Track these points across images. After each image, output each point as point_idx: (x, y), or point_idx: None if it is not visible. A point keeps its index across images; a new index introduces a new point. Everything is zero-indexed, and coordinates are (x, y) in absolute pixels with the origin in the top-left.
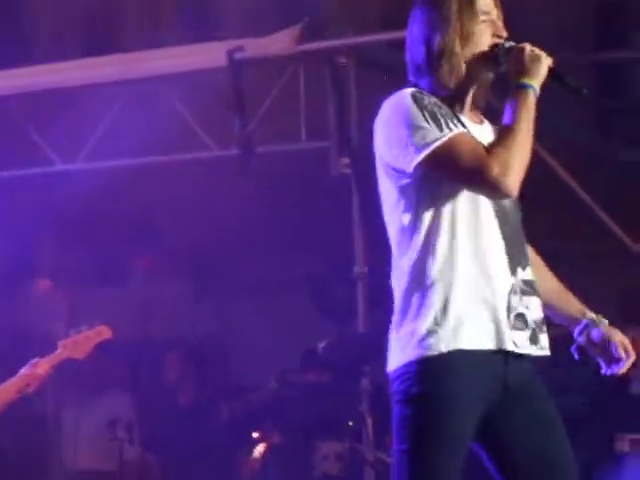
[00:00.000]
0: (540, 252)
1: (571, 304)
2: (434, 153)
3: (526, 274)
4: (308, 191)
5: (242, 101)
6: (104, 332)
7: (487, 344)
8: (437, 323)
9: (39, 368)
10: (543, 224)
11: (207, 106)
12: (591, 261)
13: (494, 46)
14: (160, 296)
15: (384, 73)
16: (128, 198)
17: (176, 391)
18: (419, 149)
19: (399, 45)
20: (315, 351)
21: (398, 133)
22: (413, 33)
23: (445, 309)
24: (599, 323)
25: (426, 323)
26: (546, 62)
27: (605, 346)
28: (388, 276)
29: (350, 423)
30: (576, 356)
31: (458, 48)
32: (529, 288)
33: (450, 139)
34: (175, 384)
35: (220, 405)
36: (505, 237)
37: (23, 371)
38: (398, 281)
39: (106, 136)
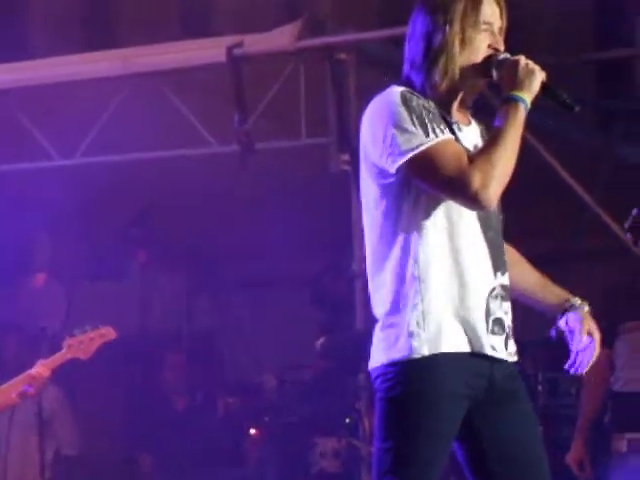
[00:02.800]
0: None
1: (554, 292)
2: (417, 158)
3: (505, 279)
4: (307, 187)
5: (242, 97)
6: (109, 333)
7: (467, 347)
8: (419, 325)
9: (41, 369)
10: (541, 223)
11: (206, 102)
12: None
13: (489, 57)
14: (156, 290)
15: (383, 70)
16: (126, 193)
17: (172, 392)
18: (402, 153)
19: (398, 42)
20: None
21: (384, 133)
22: (414, 30)
23: (426, 312)
24: (578, 307)
25: (408, 325)
26: (540, 76)
27: (574, 330)
28: None
29: (347, 420)
30: (552, 335)
31: (457, 51)
32: (506, 293)
33: (434, 146)
34: (171, 386)
35: (216, 401)
36: (488, 241)
37: (29, 372)
38: (377, 280)
39: (104, 131)
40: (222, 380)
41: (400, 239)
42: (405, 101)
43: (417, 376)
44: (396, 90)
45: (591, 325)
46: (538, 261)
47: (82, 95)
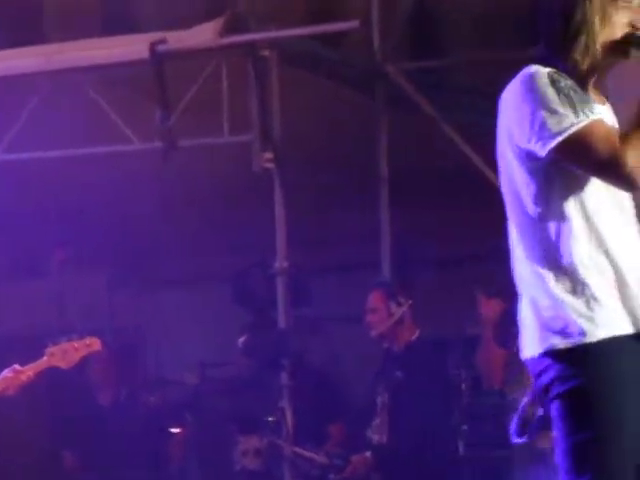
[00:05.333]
0: None
1: None
2: (569, 140)
3: None
4: (230, 185)
5: (164, 94)
6: (94, 344)
7: (631, 329)
8: (589, 308)
9: (22, 374)
10: None
11: (129, 99)
12: None
13: (628, 35)
14: (77, 288)
15: (307, 66)
16: (47, 190)
17: (96, 388)
18: (554, 134)
19: (322, 38)
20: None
21: (532, 114)
22: (551, 8)
23: (591, 295)
24: None
25: (576, 310)
26: None
27: None
28: (309, 272)
29: (270, 418)
30: None
31: (597, 28)
32: None
33: (586, 126)
34: (96, 382)
35: (137, 399)
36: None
37: (4, 374)
38: (527, 266)
39: (26, 128)
40: (144, 378)
41: (553, 223)
42: (553, 81)
43: (597, 361)
44: (542, 71)
45: None
46: None
47: (4, 91)
